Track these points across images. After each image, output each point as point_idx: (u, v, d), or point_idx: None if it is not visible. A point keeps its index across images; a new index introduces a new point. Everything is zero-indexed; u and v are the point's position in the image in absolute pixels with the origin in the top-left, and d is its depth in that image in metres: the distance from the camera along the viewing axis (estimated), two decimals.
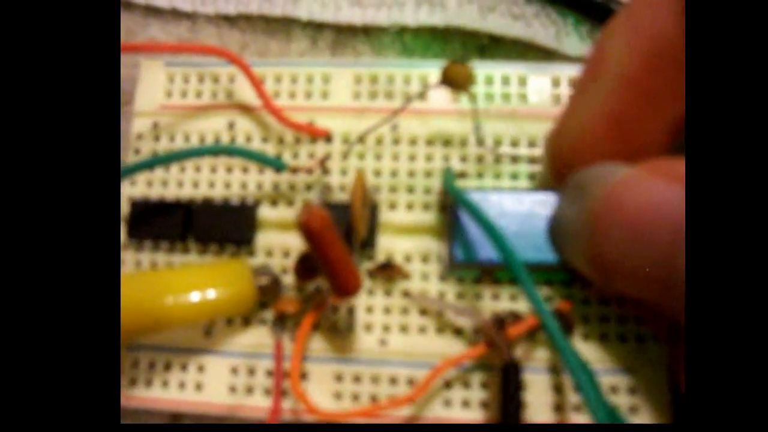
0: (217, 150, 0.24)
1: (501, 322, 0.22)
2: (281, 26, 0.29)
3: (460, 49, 0.26)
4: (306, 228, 0.20)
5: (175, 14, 0.29)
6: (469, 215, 0.22)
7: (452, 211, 0.23)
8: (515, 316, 0.23)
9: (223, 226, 0.24)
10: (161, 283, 0.22)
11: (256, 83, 0.24)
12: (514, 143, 0.25)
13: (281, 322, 0.23)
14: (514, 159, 0.25)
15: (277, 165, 0.24)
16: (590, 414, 0.18)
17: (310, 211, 0.20)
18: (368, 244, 0.24)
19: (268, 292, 0.23)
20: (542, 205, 0.22)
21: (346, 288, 0.21)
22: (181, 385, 0.24)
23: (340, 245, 0.20)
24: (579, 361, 0.19)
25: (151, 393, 0.24)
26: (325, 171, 0.25)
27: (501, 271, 0.23)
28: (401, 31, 0.28)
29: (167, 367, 0.24)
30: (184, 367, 0.24)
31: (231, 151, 0.24)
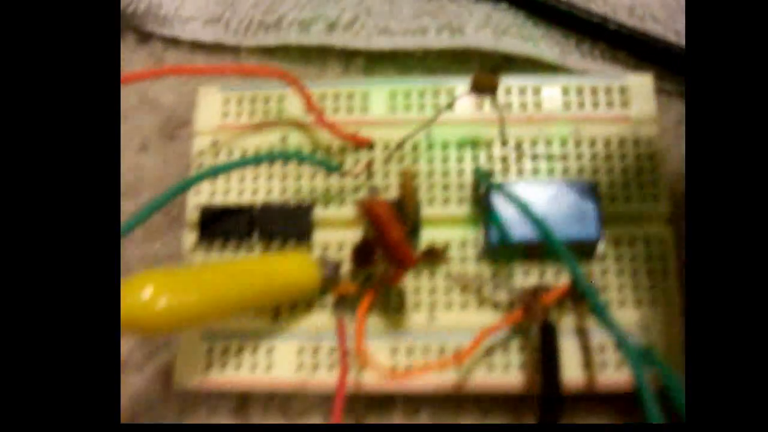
0: (279, 156, 0.28)
1: (535, 291, 0.26)
2: (317, 55, 0.33)
3: (477, 68, 0.30)
4: (372, 211, 0.24)
5: (219, 48, 0.33)
6: (503, 202, 0.26)
7: (485, 201, 0.27)
8: (546, 287, 0.26)
9: (284, 225, 0.28)
10: (239, 270, 0.25)
11: (309, 100, 0.28)
12: (534, 143, 0.29)
13: (342, 303, 0.27)
14: (534, 157, 0.28)
15: (332, 167, 0.28)
16: (626, 358, 0.22)
17: (374, 199, 0.24)
18: (413, 235, 0.27)
19: (329, 279, 0.27)
20: (562, 192, 0.26)
21: (405, 261, 0.24)
22: (253, 367, 0.27)
23: (398, 224, 0.24)
24: (611, 316, 0.23)
25: (225, 376, 0.27)
26: (370, 175, 0.28)
27: (532, 249, 0.27)
28: (425, 55, 0.32)
29: (239, 351, 0.27)
30: (254, 350, 0.27)
31: (291, 156, 0.28)
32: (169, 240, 0.30)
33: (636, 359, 0.22)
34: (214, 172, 0.27)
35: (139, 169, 0.32)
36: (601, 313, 0.23)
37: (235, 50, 0.33)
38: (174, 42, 0.34)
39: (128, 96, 0.33)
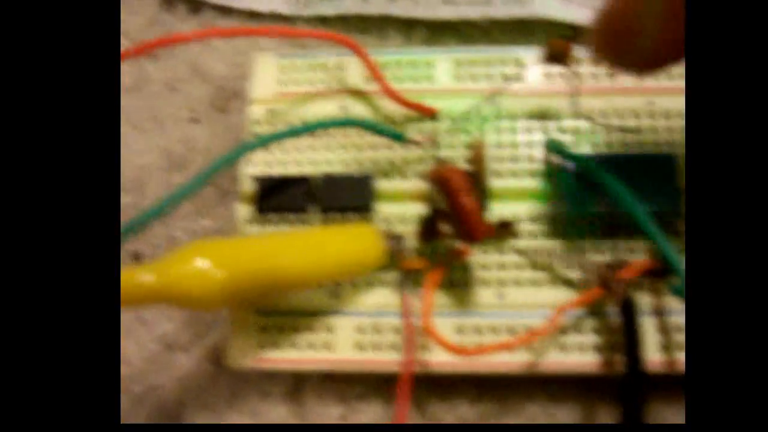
0: (342, 123, 0.27)
1: (612, 266, 0.24)
2: (376, 24, 0.31)
3: (544, 39, 0.29)
4: (443, 177, 0.22)
5: (275, 17, 0.32)
6: (578, 173, 0.24)
7: (558, 172, 0.25)
8: (623, 263, 0.25)
9: (344, 196, 0.27)
10: (302, 241, 0.24)
11: (372, 67, 0.27)
12: (606, 116, 0.27)
13: (407, 279, 0.25)
14: (608, 129, 0.27)
15: (397, 136, 0.26)
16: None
17: (446, 165, 0.22)
18: (482, 208, 0.26)
19: (394, 253, 0.25)
20: (640, 163, 0.25)
21: (479, 232, 0.23)
22: (310, 346, 0.26)
23: (470, 191, 0.23)
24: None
25: (280, 355, 0.26)
26: (435, 145, 0.27)
27: (604, 224, 0.25)
28: (489, 25, 0.31)
29: (295, 329, 0.26)
30: (310, 329, 0.26)
31: (355, 123, 0.26)
32: (220, 215, 0.29)
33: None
34: (269, 140, 0.26)
35: (189, 142, 0.31)
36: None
37: (291, 20, 0.32)
38: (227, 11, 0.32)
39: (178, 66, 0.32)
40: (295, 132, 0.26)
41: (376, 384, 0.26)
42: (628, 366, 0.23)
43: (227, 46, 0.32)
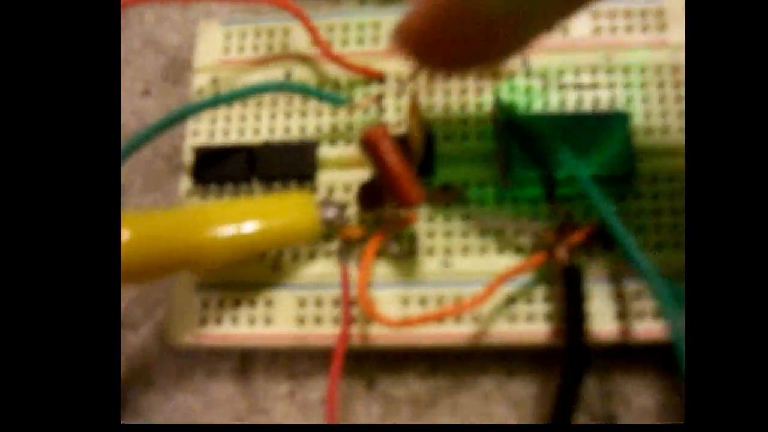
0: (278, 86, 0.26)
1: (558, 231, 0.23)
2: None
3: None
4: (369, 139, 0.21)
5: None
6: (525, 134, 0.23)
7: (506, 135, 0.24)
8: (572, 225, 0.23)
9: (285, 164, 0.25)
10: (229, 211, 0.23)
11: (314, 31, 0.26)
12: (561, 73, 0.26)
13: (347, 249, 0.24)
14: (561, 87, 0.25)
15: (337, 99, 0.25)
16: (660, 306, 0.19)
17: (374, 127, 0.21)
18: (427, 170, 0.25)
19: (332, 223, 0.24)
20: (592, 122, 0.23)
21: (411, 197, 0.22)
22: (251, 321, 0.25)
23: (400, 155, 0.21)
24: (646, 259, 0.20)
25: (221, 330, 0.25)
26: (381, 109, 0.26)
27: (558, 187, 0.24)
28: None
29: (236, 304, 0.25)
30: (252, 303, 0.25)
31: (292, 87, 0.25)
32: (171, 189, 0.28)
33: (670, 305, 0.19)
34: (206, 105, 0.25)
35: (141, 114, 0.30)
36: (630, 254, 0.20)
37: None
38: None
39: (132, 39, 0.31)
40: (225, 98, 0.25)
41: (325, 360, 0.25)
42: (568, 338, 0.22)
43: (181, 16, 0.31)
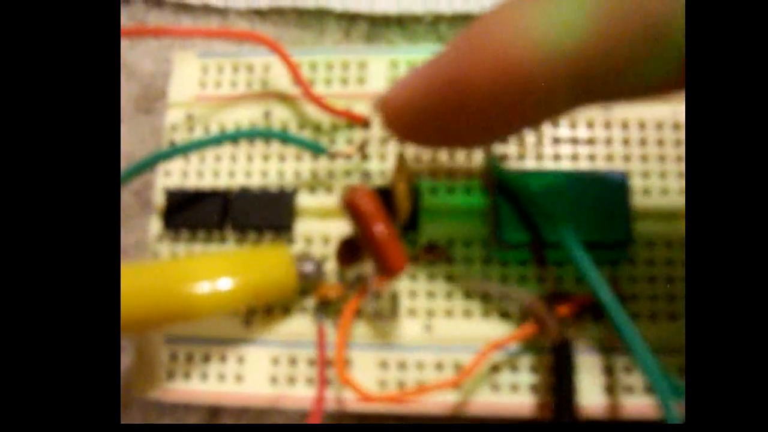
0: (255, 134, 0.24)
1: (551, 300, 0.22)
2: (314, 18, 0.29)
3: None
4: (352, 204, 0.20)
5: (207, 10, 0.29)
6: (516, 195, 0.22)
7: (497, 192, 0.22)
8: (564, 296, 0.22)
9: (261, 213, 0.24)
10: (198, 268, 0.22)
11: (294, 70, 0.24)
12: (556, 125, 0.24)
13: (323, 308, 0.23)
14: (556, 140, 0.24)
15: (317, 148, 0.24)
16: (652, 388, 0.18)
17: (356, 188, 0.20)
18: (411, 227, 0.23)
19: (309, 279, 0.23)
20: (587, 183, 0.22)
21: (393, 266, 0.20)
22: (221, 377, 0.23)
23: (385, 222, 0.20)
24: (639, 337, 0.18)
25: (189, 386, 0.23)
26: (364, 157, 0.24)
27: (549, 251, 0.22)
28: (436, 21, 0.28)
29: (206, 359, 0.23)
30: (223, 359, 0.23)
31: (270, 135, 0.24)
32: (140, 226, 0.27)
33: (666, 393, 0.18)
34: (180, 151, 0.23)
35: None
36: (625, 334, 0.19)
37: (223, 13, 0.29)
38: (156, 2, 0.30)
39: None
40: (198, 145, 0.23)
41: (294, 417, 0.24)
42: (557, 415, 0.20)
43: (155, 42, 0.29)
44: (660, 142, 0.24)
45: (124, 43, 0.29)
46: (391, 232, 0.20)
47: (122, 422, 0.25)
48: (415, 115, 0.17)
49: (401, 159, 0.22)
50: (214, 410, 0.25)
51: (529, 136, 0.24)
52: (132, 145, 0.28)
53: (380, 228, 0.20)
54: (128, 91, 0.29)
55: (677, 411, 0.18)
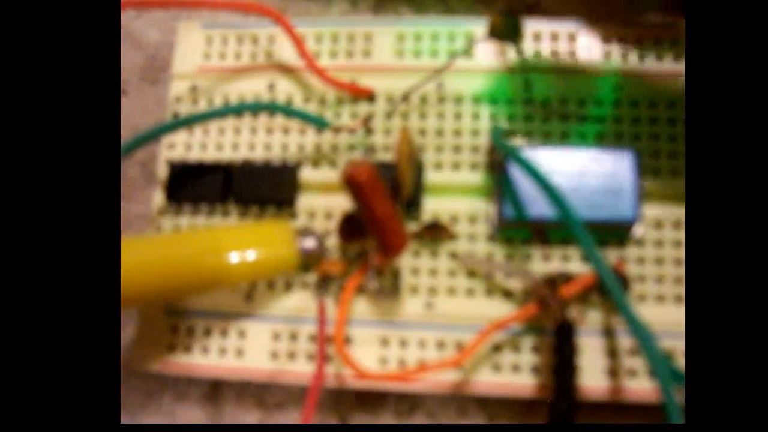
0: (258, 107, 0.24)
1: (553, 281, 0.21)
2: None
3: (498, 9, 0.25)
4: (353, 180, 0.19)
5: None
6: (521, 172, 0.21)
7: (502, 168, 0.22)
8: (567, 277, 0.22)
9: (263, 187, 0.24)
10: (203, 241, 0.22)
11: (298, 42, 0.24)
12: (564, 101, 0.24)
13: (325, 284, 0.23)
14: (564, 117, 0.24)
15: (319, 123, 0.23)
16: (653, 374, 0.17)
17: (357, 164, 0.19)
18: (414, 204, 0.23)
19: (311, 255, 0.23)
20: (595, 161, 0.22)
21: (393, 245, 0.20)
22: (222, 351, 0.23)
23: (387, 199, 0.20)
24: (640, 321, 0.18)
25: (191, 359, 0.23)
26: (369, 131, 0.24)
27: (553, 230, 0.22)
28: None
29: (207, 332, 0.23)
30: (224, 333, 0.23)
31: (272, 108, 0.24)
32: (145, 198, 0.27)
33: (665, 375, 0.17)
34: (183, 123, 0.23)
35: None
36: (626, 314, 0.18)
37: None
38: None
39: None
40: (201, 117, 0.23)
41: (296, 392, 0.24)
42: (556, 396, 0.20)
43: (162, 12, 0.29)
44: (671, 121, 0.23)
45: (130, 14, 0.29)
46: (393, 211, 0.20)
47: (123, 393, 0.25)
48: None
49: (405, 133, 0.22)
50: (217, 382, 0.24)
51: (537, 112, 0.24)
52: (137, 116, 0.28)
53: (382, 207, 0.19)
54: (133, 61, 0.29)
55: (677, 396, 0.18)
